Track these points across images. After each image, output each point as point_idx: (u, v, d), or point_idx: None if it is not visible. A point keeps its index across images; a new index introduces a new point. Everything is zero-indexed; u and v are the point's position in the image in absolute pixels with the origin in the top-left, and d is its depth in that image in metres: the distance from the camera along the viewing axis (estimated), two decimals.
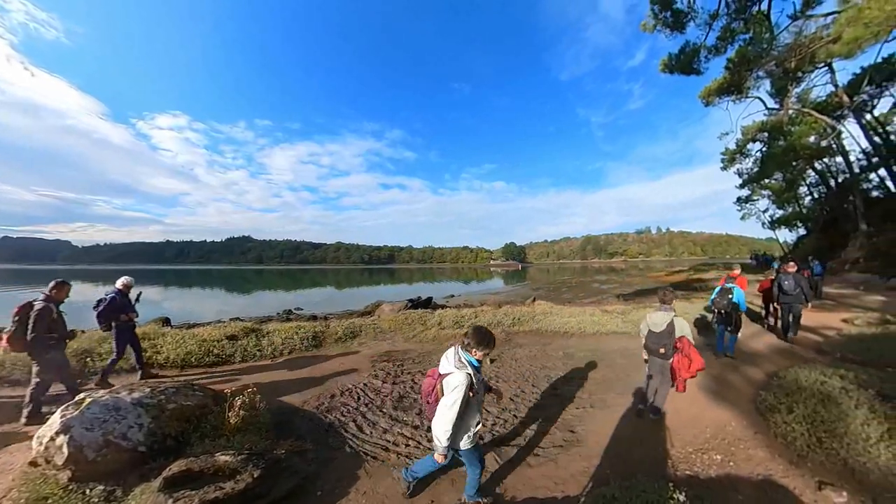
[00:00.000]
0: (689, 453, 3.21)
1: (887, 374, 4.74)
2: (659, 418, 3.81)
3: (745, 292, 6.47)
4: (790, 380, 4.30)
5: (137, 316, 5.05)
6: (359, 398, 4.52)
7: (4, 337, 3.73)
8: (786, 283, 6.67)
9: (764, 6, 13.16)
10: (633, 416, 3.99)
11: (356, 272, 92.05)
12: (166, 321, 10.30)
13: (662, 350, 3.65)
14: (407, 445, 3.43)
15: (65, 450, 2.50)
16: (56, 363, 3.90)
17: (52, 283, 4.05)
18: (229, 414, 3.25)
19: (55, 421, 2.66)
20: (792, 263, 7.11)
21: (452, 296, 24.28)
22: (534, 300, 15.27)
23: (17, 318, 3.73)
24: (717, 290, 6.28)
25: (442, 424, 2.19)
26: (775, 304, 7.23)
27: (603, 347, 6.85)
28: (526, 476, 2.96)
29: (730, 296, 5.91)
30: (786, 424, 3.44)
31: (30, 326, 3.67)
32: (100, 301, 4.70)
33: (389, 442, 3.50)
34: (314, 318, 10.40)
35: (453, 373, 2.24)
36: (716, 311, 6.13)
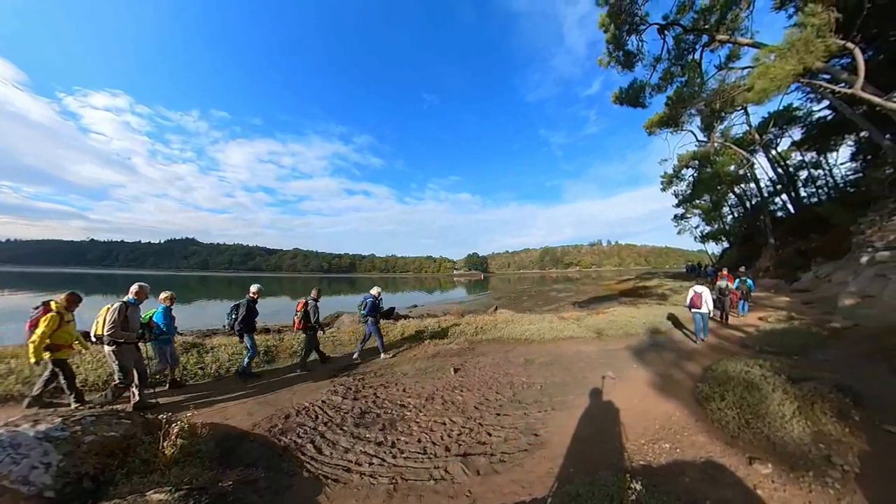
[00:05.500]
0: (642, 445, 3.43)
1: (794, 361, 5.54)
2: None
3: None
4: (721, 371, 4.80)
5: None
6: (316, 417, 4.24)
7: (296, 322, 6.38)
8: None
9: (697, 56, 15.81)
10: (592, 414, 4.18)
11: (314, 281, 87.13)
12: (85, 336, 8.82)
13: (707, 293, 7.48)
14: (370, 464, 3.26)
15: None
16: (315, 341, 6.52)
17: (313, 290, 6.70)
18: (164, 444, 2.86)
19: None
20: (742, 268, 12.23)
21: (415, 305, 23.95)
22: (496, 309, 15.61)
23: (299, 310, 6.34)
24: (737, 281, 10.59)
25: (709, 304, 7.24)
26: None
27: (561, 352, 7.14)
28: (494, 483, 2.95)
29: (748, 283, 10.57)
30: (720, 410, 3.84)
31: (310, 316, 6.27)
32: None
33: (352, 462, 3.30)
34: (266, 330, 9.58)
35: (706, 290, 7.33)
36: (740, 292, 10.47)
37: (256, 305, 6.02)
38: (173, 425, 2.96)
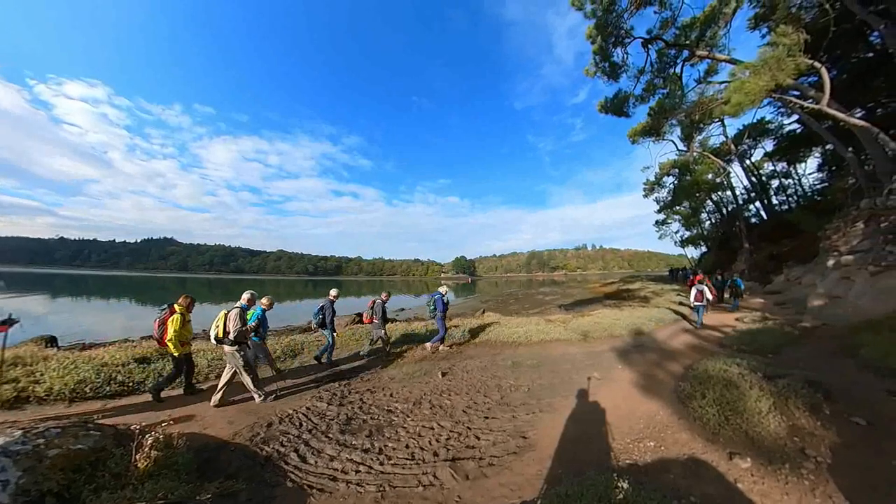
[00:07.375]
0: (628, 444, 3.48)
1: (769, 359, 5.77)
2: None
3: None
4: (701, 370, 4.93)
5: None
6: (301, 424, 4.11)
7: (365, 317, 7.51)
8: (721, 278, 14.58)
9: (678, 70, 16.79)
10: (579, 415, 4.22)
11: (299, 283, 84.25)
12: (51, 340, 8.18)
13: (706, 290, 9.84)
14: (357, 472, 3.18)
15: None
16: (383, 332, 7.47)
17: (384, 293, 7.88)
18: (137, 456, 2.70)
19: None
20: (719, 271, 14.68)
21: (403, 309, 23.68)
22: (483, 312, 15.64)
23: (370, 308, 7.35)
24: (727, 281, 13.64)
25: (709, 298, 9.88)
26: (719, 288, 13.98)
27: (548, 354, 7.21)
28: (483, 487, 2.92)
29: (738, 283, 12.76)
30: (701, 408, 3.94)
31: (379, 312, 7.32)
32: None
33: (337, 470, 3.21)
34: None
35: (705, 288, 9.74)
36: (728, 291, 13.14)
37: (334, 305, 7.05)
38: (147, 436, 2.80)
